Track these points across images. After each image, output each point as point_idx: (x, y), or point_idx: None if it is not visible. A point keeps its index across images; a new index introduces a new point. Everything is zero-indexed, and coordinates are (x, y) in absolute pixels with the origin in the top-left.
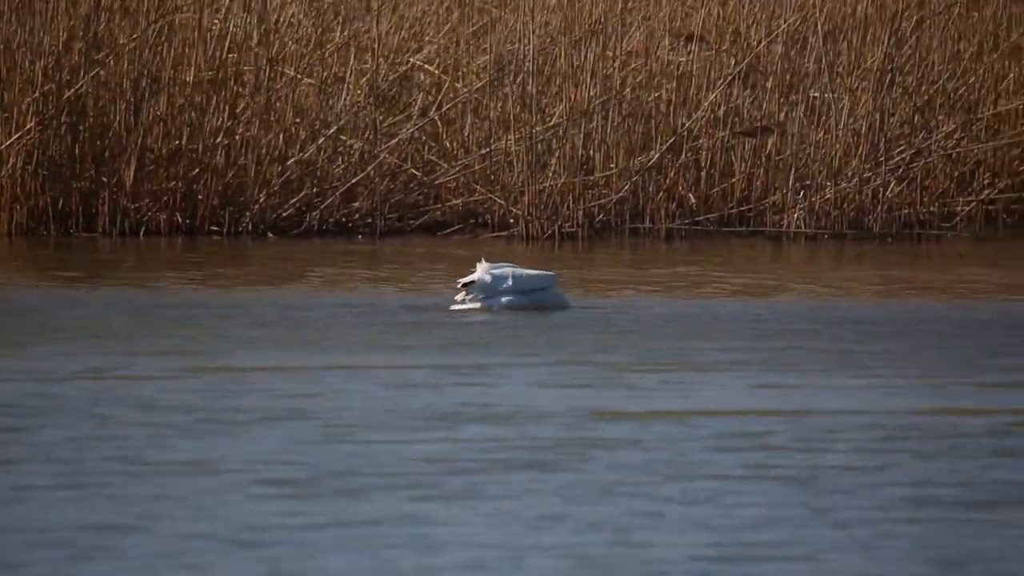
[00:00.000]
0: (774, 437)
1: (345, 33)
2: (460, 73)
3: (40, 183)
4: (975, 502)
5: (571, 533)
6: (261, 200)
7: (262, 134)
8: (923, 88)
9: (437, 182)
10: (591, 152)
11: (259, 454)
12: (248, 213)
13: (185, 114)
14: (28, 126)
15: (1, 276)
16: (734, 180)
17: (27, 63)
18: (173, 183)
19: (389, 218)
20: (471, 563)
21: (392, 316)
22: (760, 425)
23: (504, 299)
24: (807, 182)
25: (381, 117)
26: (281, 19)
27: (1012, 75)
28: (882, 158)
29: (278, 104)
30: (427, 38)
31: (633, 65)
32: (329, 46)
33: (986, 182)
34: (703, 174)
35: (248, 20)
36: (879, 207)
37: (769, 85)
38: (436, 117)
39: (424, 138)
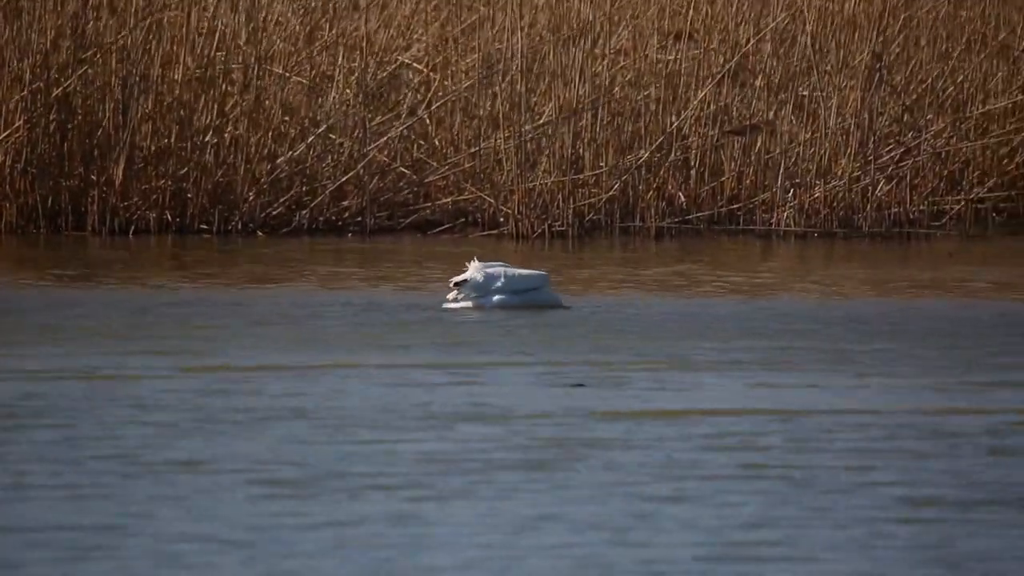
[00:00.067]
0: (771, 437)
1: (333, 31)
2: (449, 72)
3: (29, 181)
4: (974, 502)
5: (568, 533)
6: (251, 199)
7: (251, 133)
8: (912, 87)
9: (427, 181)
10: (581, 151)
11: (256, 454)
12: (238, 212)
13: (174, 112)
14: (17, 124)
15: None
16: (724, 179)
17: (15, 62)
18: (162, 182)
19: (379, 217)
20: (468, 563)
21: (387, 315)
22: (757, 425)
23: (496, 298)
24: (796, 181)
25: (370, 116)
26: (269, 17)
27: (1000, 74)
28: (871, 157)
29: (267, 103)
30: (416, 36)
31: (622, 64)
32: (317, 44)
33: (975, 181)
34: (693, 173)
35: (236, 18)
36: (868, 206)
37: (758, 84)
38: (425, 116)
39: (414, 137)
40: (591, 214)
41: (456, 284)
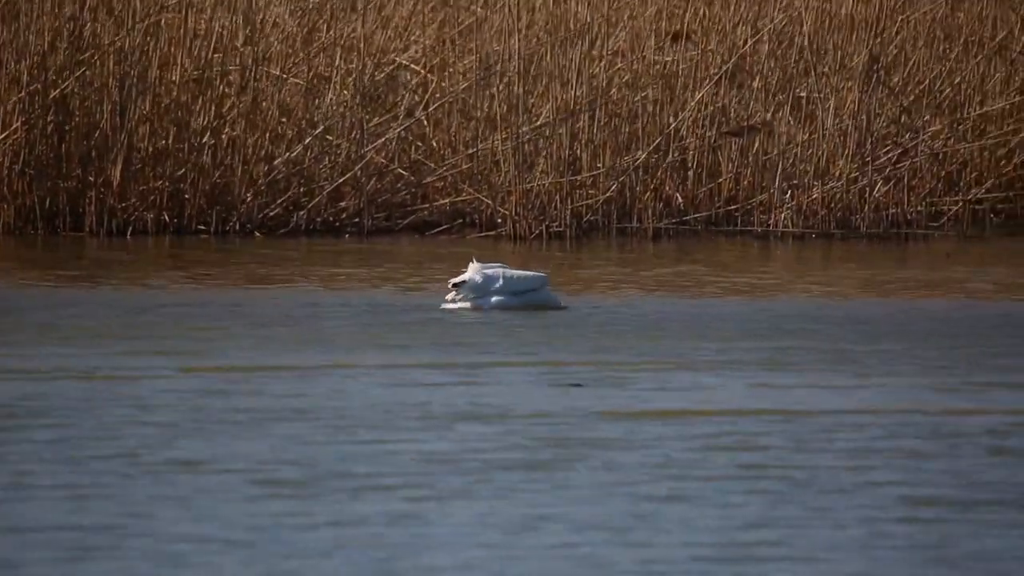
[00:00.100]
0: (771, 437)
1: (331, 33)
2: (447, 73)
3: (27, 182)
4: (974, 502)
5: (569, 533)
6: (248, 200)
7: (248, 134)
8: (909, 88)
9: (424, 182)
10: (578, 152)
11: (256, 454)
12: (235, 213)
13: (171, 114)
14: (14, 126)
15: None
16: (721, 180)
17: (13, 63)
18: (160, 183)
19: (376, 218)
20: (468, 563)
21: (387, 315)
22: (757, 425)
23: (495, 299)
24: (794, 182)
25: (368, 117)
26: (266, 19)
27: (998, 75)
28: (869, 158)
29: (264, 104)
30: (413, 38)
31: (619, 65)
32: (315, 46)
33: (973, 182)
34: (690, 174)
35: (233, 20)
36: (866, 207)
37: (756, 85)
38: (423, 117)
39: (411, 138)
40: (589, 215)
41: (455, 285)
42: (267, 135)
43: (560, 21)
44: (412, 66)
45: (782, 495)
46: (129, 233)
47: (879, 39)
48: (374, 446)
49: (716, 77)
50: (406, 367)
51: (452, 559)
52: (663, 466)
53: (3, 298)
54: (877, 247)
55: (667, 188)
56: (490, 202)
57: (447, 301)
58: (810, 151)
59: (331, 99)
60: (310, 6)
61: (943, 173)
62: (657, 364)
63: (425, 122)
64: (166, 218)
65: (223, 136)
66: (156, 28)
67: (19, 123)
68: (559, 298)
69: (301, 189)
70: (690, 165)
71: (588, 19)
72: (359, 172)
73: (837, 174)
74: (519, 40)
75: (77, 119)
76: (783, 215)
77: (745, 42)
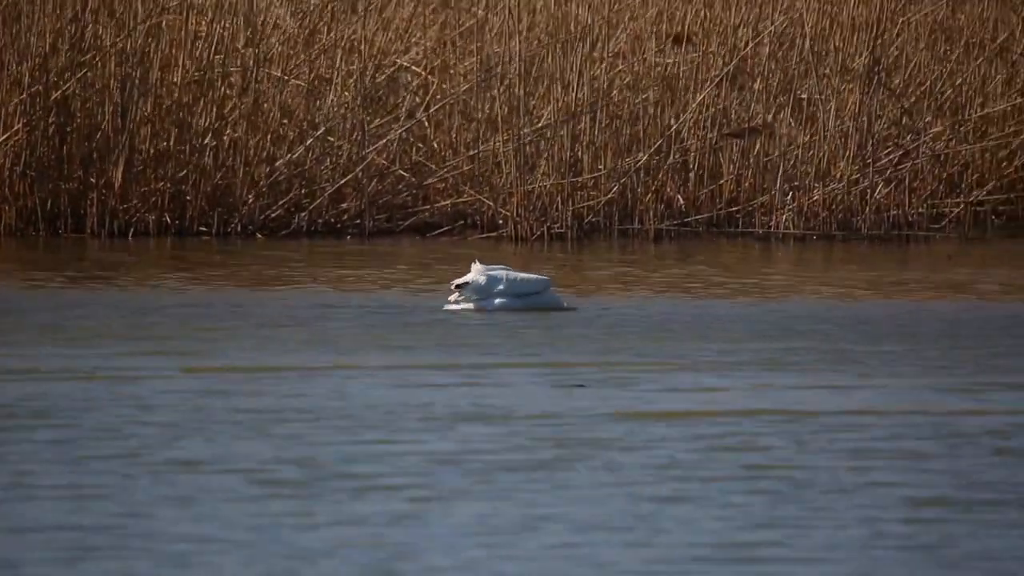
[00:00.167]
0: (773, 437)
1: (332, 34)
2: (448, 75)
3: (29, 184)
4: (975, 502)
5: (570, 533)
6: (249, 201)
7: (250, 135)
8: (910, 90)
9: (426, 183)
10: (579, 153)
11: (257, 454)
12: (237, 214)
13: (173, 115)
14: (16, 127)
15: None
16: (722, 181)
17: (14, 65)
18: (161, 184)
19: (377, 219)
20: (468, 563)
21: (388, 316)
22: (759, 425)
23: (498, 301)
24: (795, 183)
25: (369, 118)
26: (267, 20)
27: (999, 76)
28: (870, 159)
29: (265, 105)
30: (414, 39)
31: (620, 67)
32: (316, 47)
33: (974, 183)
34: (691, 175)
35: (234, 22)
36: (867, 208)
37: (757, 87)
38: (424, 118)
39: (412, 139)
40: (590, 216)
41: (458, 286)
42: (268, 137)
43: (561, 23)
44: (413, 68)
45: (784, 495)
46: (130, 234)
47: (880, 41)
48: (375, 446)
49: (717, 79)
50: (409, 368)
51: (453, 559)
52: (665, 467)
53: (5, 299)
54: (878, 249)
55: (668, 190)
56: (491, 203)
57: (450, 302)
58: (811, 153)
59: (332, 101)
60: (311, 8)
61: (944, 175)
62: (659, 365)
63: (426, 124)
64: (167, 219)
65: (224, 137)
66: (157, 30)
67: (20, 124)
68: (562, 300)
69: (302, 190)
70: (691, 167)
71: (589, 21)
72: (360, 173)
73: (838, 176)
74: (520, 42)
75: (78, 120)
76: (784, 217)
77: (746, 44)
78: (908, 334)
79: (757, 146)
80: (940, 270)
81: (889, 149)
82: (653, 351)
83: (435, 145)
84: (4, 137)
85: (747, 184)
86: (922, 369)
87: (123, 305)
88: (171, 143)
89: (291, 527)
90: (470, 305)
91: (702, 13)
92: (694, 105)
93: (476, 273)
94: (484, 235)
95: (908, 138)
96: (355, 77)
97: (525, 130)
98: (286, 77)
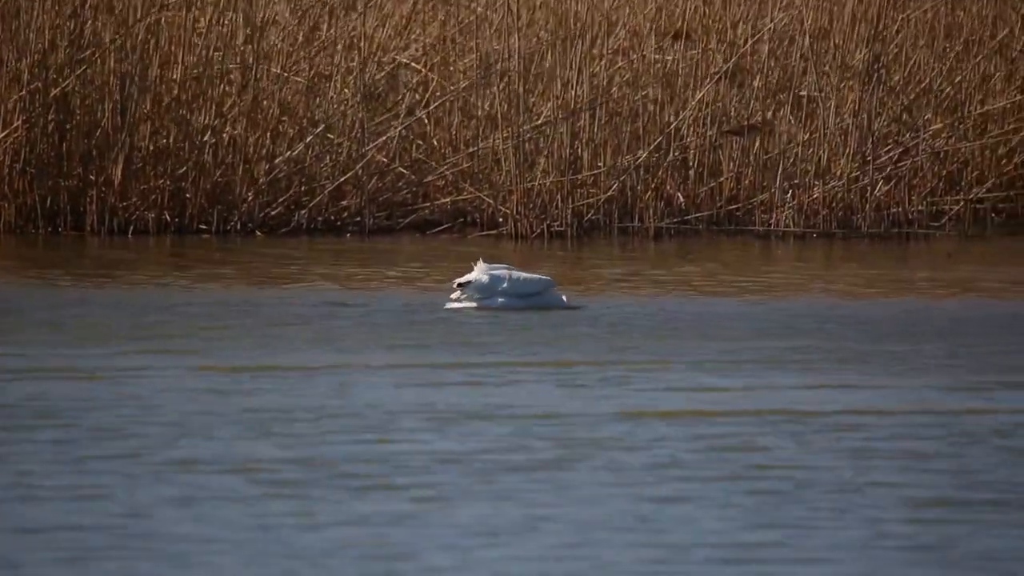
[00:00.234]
0: (774, 437)
1: (332, 31)
2: (448, 72)
3: (28, 181)
4: (978, 502)
5: (571, 533)
6: (249, 199)
7: (249, 133)
8: (910, 87)
9: (425, 181)
10: (579, 151)
11: (259, 453)
12: (236, 212)
13: (172, 113)
14: (15, 124)
15: None
16: (722, 179)
17: (13, 61)
18: (161, 182)
19: (377, 217)
20: (468, 563)
21: (391, 315)
22: (760, 425)
23: (500, 300)
24: (795, 181)
25: (369, 116)
26: (267, 17)
27: (999, 74)
28: (870, 157)
29: (265, 103)
30: (414, 36)
31: (620, 64)
32: (316, 44)
33: (974, 181)
34: (691, 173)
35: (234, 18)
36: (867, 206)
37: (756, 84)
38: (424, 116)
39: (412, 137)
40: (590, 214)
41: (460, 285)
42: (268, 134)
43: (561, 20)
44: (413, 65)
45: (786, 495)
46: (130, 232)
47: (880, 38)
48: (376, 446)
49: (717, 76)
50: (411, 367)
51: (453, 559)
52: (667, 466)
53: (4, 297)
54: (878, 246)
55: (668, 187)
56: (491, 201)
57: (452, 300)
58: (811, 150)
59: (332, 98)
60: (310, 4)
61: (944, 172)
62: (660, 364)
63: (426, 121)
64: (167, 217)
65: (224, 135)
66: (157, 26)
67: (20, 122)
68: (565, 300)
69: (302, 188)
70: (691, 164)
71: (589, 18)
72: (360, 171)
73: (838, 173)
74: (520, 39)
75: (78, 118)
76: (784, 214)
77: (746, 41)
78: (909, 333)
79: (757, 144)
80: (940, 268)
81: (889, 146)
82: (654, 350)
83: (435, 142)
84: (3, 134)
85: (747, 182)
86: (924, 368)
87: (123, 303)
88: (171, 140)
89: (292, 527)
90: (472, 304)
91: (701, 10)
92: (694, 102)
93: (479, 272)
94: (484, 233)
95: (908, 135)
96: (355, 74)
97: (525, 127)
98: (286, 74)
